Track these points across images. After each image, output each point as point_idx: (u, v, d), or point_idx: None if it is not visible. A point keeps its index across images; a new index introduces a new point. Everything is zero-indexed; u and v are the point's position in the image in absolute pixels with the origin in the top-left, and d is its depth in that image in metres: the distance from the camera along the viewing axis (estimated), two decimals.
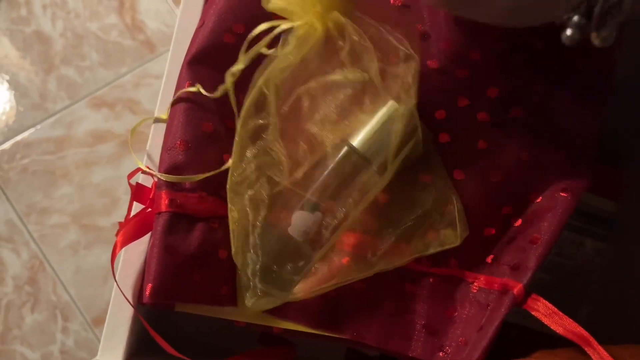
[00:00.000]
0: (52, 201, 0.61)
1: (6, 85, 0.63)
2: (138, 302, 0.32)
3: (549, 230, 0.33)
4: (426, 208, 0.34)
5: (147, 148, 0.34)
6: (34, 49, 0.64)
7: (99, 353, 0.31)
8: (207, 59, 0.34)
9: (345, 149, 0.32)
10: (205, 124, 0.33)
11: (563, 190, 0.34)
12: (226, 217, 0.32)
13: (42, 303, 0.60)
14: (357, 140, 0.32)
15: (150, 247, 0.31)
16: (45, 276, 0.60)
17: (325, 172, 0.32)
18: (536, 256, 0.33)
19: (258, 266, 0.32)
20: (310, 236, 0.32)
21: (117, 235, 0.33)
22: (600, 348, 0.30)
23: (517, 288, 0.32)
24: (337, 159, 0.32)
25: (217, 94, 0.33)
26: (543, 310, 0.32)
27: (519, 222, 0.35)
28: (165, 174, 0.32)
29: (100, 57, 0.64)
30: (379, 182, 0.32)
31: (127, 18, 0.65)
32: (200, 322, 0.37)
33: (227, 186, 0.32)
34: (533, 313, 0.32)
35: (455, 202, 0.34)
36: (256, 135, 0.33)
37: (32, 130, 0.62)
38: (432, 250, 0.34)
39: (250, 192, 0.32)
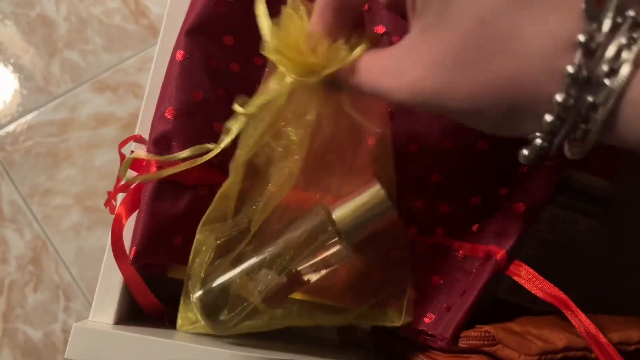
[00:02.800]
0: (55, 183, 0.62)
1: (10, 68, 0.64)
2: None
3: (533, 198, 0.33)
4: (381, 285, 0.34)
5: (140, 116, 0.35)
6: (38, 33, 0.65)
7: (90, 314, 0.31)
8: (202, 29, 0.34)
9: (323, 218, 0.32)
10: (195, 92, 0.33)
11: (549, 159, 0.34)
12: (215, 184, 0.33)
13: (44, 283, 0.61)
14: (337, 214, 0.31)
15: (138, 213, 0.32)
16: (48, 256, 0.61)
17: (297, 234, 0.32)
18: (520, 222, 0.33)
19: (199, 296, 0.31)
20: (264, 294, 0.32)
21: (106, 205, 0.33)
22: (578, 311, 0.30)
23: (500, 254, 0.33)
24: (313, 223, 0.32)
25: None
26: (525, 275, 0.32)
27: (504, 190, 0.35)
28: (154, 142, 0.32)
29: (104, 41, 0.65)
30: (345, 258, 0.32)
31: (130, 3, 0.65)
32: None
33: (202, 220, 0.32)
34: (515, 278, 0.32)
35: (408, 290, 0.34)
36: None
37: (35, 113, 0.63)
38: (369, 322, 0.34)
39: (216, 234, 0.32)
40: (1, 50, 0.64)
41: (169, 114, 0.33)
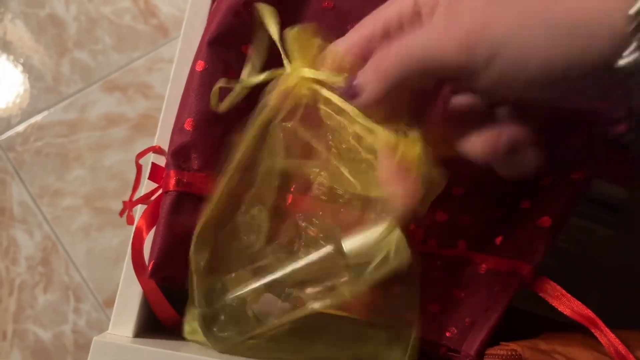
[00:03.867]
0: (65, 183, 0.62)
1: (20, 68, 0.64)
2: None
3: (558, 213, 0.33)
4: (386, 324, 0.34)
5: (159, 127, 0.34)
6: (47, 33, 0.64)
7: (109, 327, 0.31)
8: (222, 38, 0.34)
9: (332, 248, 0.31)
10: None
11: (574, 174, 0.34)
12: None
13: (54, 284, 0.61)
14: (348, 246, 0.30)
15: (157, 225, 0.32)
16: (57, 257, 0.61)
17: (304, 262, 0.31)
18: (545, 239, 0.33)
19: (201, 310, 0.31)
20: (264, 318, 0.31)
21: (121, 214, 0.33)
22: (607, 330, 0.30)
23: (526, 269, 0.32)
24: (322, 253, 0.31)
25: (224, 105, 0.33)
26: (551, 292, 0.32)
27: (527, 204, 0.35)
28: (173, 153, 0.32)
29: (114, 41, 0.65)
30: (351, 290, 0.31)
31: (140, 2, 0.65)
32: None
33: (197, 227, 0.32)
34: (541, 295, 0.32)
35: (414, 330, 0.33)
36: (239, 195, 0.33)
37: (45, 113, 0.63)
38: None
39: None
40: (11, 49, 0.64)
41: (188, 125, 0.32)
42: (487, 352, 0.32)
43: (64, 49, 0.64)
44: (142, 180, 0.35)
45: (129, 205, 0.34)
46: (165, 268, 0.31)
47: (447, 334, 0.34)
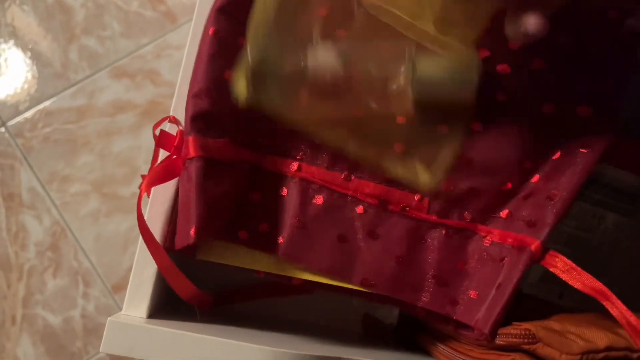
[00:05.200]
0: (73, 170, 0.62)
1: (28, 54, 0.64)
2: (166, 248, 0.32)
3: (567, 187, 0.33)
4: (421, 157, 0.34)
5: (175, 98, 0.34)
6: (55, 19, 0.64)
7: (123, 308, 0.32)
8: (232, 7, 0.34)
9: (403, 55, 0.30)
10: (227, 71, 0.33)
11: (583, 147, 0.33)
12: (253, 162, 0.33)
13: (63, 269, 0.61)
14: (419, 59, 0.30)
15: (186, 192, 0.32)
16: (66, 243, 0.61)
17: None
18: (554, 212, 0.33)
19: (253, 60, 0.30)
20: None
21: (140, 187, 0.33)
22: (619, 302, 0.30)
23: (535, 244, 0.32)
24: (391, 55, 0.30)
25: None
26: (561, 267, 0.32)
27: (536, 177, 0.35)
28: (192, 119, 0.32)
29: (122, 28, 0.65)
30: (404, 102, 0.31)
31: None
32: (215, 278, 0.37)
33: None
34: (551, 269, 0.32)
35: (448, 153, 0.34)
36: None
37: (54, 99, 0.63)
38: (399, 173, 0.34)
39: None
40: (19, 36, 0.64)
41: (203, 92, 0.32)
42: (499, 331, 0.32)
43: (72, 35, 0.64)
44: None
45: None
46: (207, 232, 0.31)
47: (450, 306, 0.34)
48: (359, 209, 0.35)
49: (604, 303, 0.30)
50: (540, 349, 0.30)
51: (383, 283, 0.35)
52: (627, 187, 0.40)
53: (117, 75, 0.64)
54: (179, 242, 0.31)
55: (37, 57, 0.64)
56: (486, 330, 0.32)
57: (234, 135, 0.33)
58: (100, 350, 0.29)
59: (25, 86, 0.63)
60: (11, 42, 0.64)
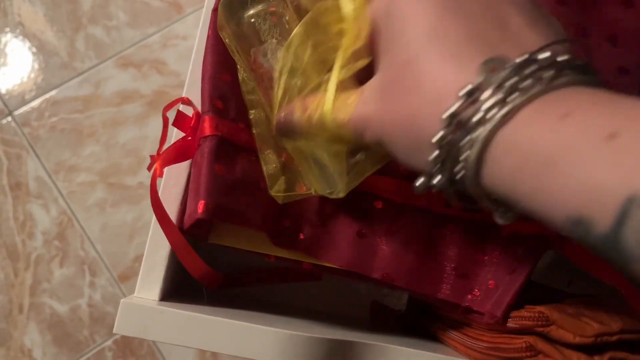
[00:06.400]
0: (79, 159, 0.62)
1: (35, 43, 0.64)
2: (179, 229, 0.33)
3: None
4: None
5: (186, 83, 0.34)
6: (62, 8, 0.64)
7: (136, 290, 0.32)
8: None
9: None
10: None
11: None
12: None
13: (70, 258, 0.61)
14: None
15: (197, 169, 0.31)
16: (73, 232, 0.62)
17: None
18: None
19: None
20: None
21: (149, 169, 0.33)
22: (631, 286, 0.30)
23: (553, 232, 0.33)
24: None
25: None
26: (578, 255, 0.32)
27: None
28: (209, 100, 0.32)
29: (128, 17, 0.65)
30: None
31: None
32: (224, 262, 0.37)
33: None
34: (568, 256, 0.33)
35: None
36: None
37: (60, 88, 0.63)
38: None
39: None
40: (25, 25, 0.64)
41: (225, 77, 0.33)
42: (512, 314, 0.32)
43: (78, 25, 0.64)
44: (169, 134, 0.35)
45: (157, 159, 0.34)
46: (217, 209, 0.31)
47: (469, 297, 0.35)
48: (378, 204, 0.35)
49: (620, 289, 0.31)
50: (554, 332, 0.30)
51: (403, 277, 0.35)
52: None
53: (124, 65, 0.64)
54: (188, 219, 0.31)
55: (43, 47, 0.64)
56: (499, 314, 0.32)
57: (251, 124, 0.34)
58: (114, 331, 0.29)
59: (32, 75, 0.63)
60: (17, 31, 0.64)
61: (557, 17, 0.31)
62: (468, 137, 0.22)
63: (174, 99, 0.35)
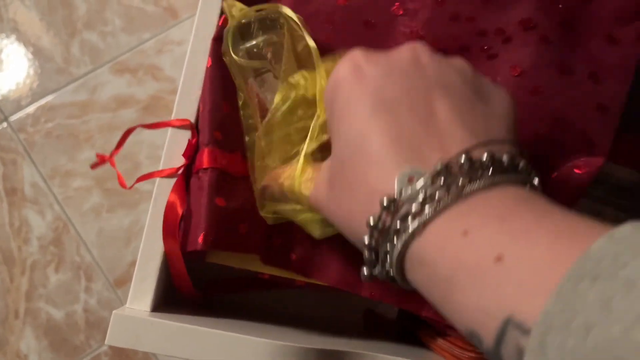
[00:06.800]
0: (75, 164, 0.63)
1: (30, 49, 0.64)
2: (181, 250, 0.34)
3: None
4: None
5: (178, 94, 0.35)
6: (57, 14, 0.64)
7: (128, 301, 0.32)
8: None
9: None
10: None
11: (578, 169, 0.35)
12: None
13: (66, 263, 0.61)
14: None
15: (196, 200, 0.33)
16: (69, 237, 0.62)
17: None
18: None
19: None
20: None
21: (93, 167, 0.38)
22: None
23: None
24: None
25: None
26: None
27: (554, 175, 0.36)
28: (210, 133, 0.33)
29: (123, 23, 0.65)
30: None
31: None
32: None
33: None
34: None
35: None
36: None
37: (56, 94, 0.63)
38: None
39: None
40: (21, 31, 0.64)
41: (226, 108, 0.34)
42: (482, 354, 0.32)
43: (74, 31, 0.64)
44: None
45: (108, 160, 0.35)
46: (215, 241, 0.32)
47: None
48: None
49: None
50: None
51: (390, 296, 0.36)
52: (624, 183, 0.41)
53: (119, 70, 0.64)
54: (189, 246, 0.32)
55: (39, 52, 0.64)
56: None
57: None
58: (106, 342, 0.29)
59: (28, 81, 0.64)
60: (13, 37, 0.64)
61: (541, 54, 0.32)
62: (389, 245, 0.24)
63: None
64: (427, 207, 0.23)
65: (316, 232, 0.32)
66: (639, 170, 0.41)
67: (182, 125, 0.34)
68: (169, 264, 0.32)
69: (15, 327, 0.61)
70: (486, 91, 0.27)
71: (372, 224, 0.24)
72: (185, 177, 0.34)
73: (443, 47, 0.34)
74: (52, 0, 0.64)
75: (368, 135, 0.25)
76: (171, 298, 0.35)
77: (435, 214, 0.22)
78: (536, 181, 0.25)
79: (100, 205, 0.62)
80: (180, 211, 0.33)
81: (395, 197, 0.23)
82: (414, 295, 0.36)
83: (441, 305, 0.23)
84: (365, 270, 0.26)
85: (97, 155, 0.38)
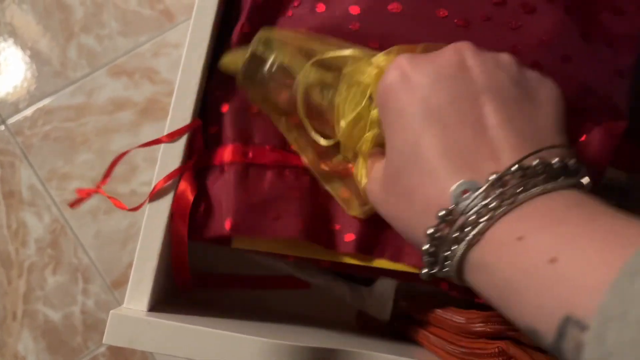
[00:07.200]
0: (73, 167, 0.63)
1: (27, 52, 0.64)
2: (194, 238, 0.35)
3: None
4: None
5: (174, 96, 0.36)
6: (54, 17, 0.65)
7: (125, 301, 0.32)
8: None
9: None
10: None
11: None
12: (296, 166, 0.36)
13: (63, 265, 0.62)
14: None
15: (221, 191, 0.35)
16: (66, 240, 0.62)
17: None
18: None
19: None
20: None
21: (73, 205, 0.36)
22: None
23: None
24: None
25: None
26: None
27: None
28: (236, 131, 0.36)
29: (120, 26, 0.65)
30: None
31: None
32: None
33: None
34: None
35: None
36: None
37: (53, 97, 0.64)
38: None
39: None
40: (18, 34, 0.64)
41: (253, 108, 0.36)
42: (485, 318, 0.33)
43: (71, 34, 0.65)
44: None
45: (96, 192, 0.37)
46: (243, 226, 0.34)
47: None
48: None
49: None
50: (525, 335, 0.31)
51: (412, 255, 0.37)
52: (617, 184, 0.41)
53: (116, 73, 0.65)
54: (212, 233, 0.35)
55: (36, 56, 0.64)
56: None
57: (279, 143, 0.37)
58: (103, 341, 0.29)
59: (25, 84, 0.64)
60: (10, 40, 0.64)
61: (566, 24, 0.33)
62: (448, 252, 0.25)
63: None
64: (483, 217, 0.24)
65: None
66: (628, 172, 0.41)
67: (189, 130, 0.35)
68: (172, 247, 0.33)
69: (13, 329, 0.61)
70: (533, 87, 0.28)
71: (430, 233, 0.25)
72: (195, 170, 0.36)
73: (465, 18, 0.35)
74: (48, 4, 0.65)
75: (420, 146, 0.26)
76: (168, 299, 0.35)
77: (490, 223, 0.24)
78: (586, 180, 0.26)
79: (98, 207, 0.63)
80: (191, 197, 0.34)
81: (451, 208, 0.25)
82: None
83: (500, 306, 0.24)
84: (424, 271, 0.27)
85: (78, 192, 0.40)
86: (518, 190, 0.24)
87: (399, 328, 0.43)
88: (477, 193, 0.24)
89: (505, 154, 0.25)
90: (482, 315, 0.34)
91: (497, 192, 0.24)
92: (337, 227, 0.37)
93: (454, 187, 0.25)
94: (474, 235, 0.24)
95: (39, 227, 0.62)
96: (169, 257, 0.34)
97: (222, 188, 0.35)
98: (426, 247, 0.26)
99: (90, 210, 0.62)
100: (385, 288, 0.43)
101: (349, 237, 0.36)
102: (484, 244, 0.24)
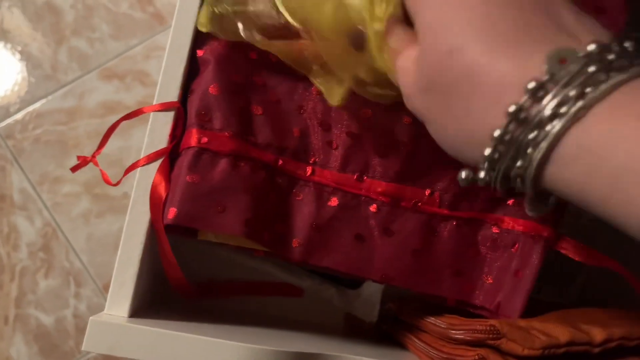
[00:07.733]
0: (64, 171, 0.63)
1: (18, 56, 0.64)
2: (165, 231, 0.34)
3: None
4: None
5: (156, 94, 0.36)
6: (45, 20, 0.65)
7: (105, 308, 0.32)
8: None
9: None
10: (235, 75, 0.35)
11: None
12: (254, 158, 0.35)
13: (55, 269, 0.62)
14: None
15: (175, 177, 0.34)
16: (58, 243, 0.62)
17: None
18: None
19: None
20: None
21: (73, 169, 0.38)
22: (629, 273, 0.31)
23: (547, 231, 0.34)
24: None
25: None
26: (573, 249, 0.34)
27: None
28: (197, 114, 0.34)
29: (111, 29, 0.65)
30: None
31: None
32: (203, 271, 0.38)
33: None
34: (563, 252, 0.34)
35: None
36: None
37: (44, 101, 0.64)
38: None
39: None
40: (9, 38, 0.64)
41: (212, 90, 0.34)
42: (466, 326, 0.33)
43: (62, 37, 0.65)
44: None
45: (90, 161, 0.36)
46: (186, 216, 0.33)
47: (468, 293, 0.36)
48: (373, 207, 0.37)
49: (623, 274, 0.32)
50: (504, 344, 0.31)
51: (402, 277, 0.37)
52: None
53: (107, 76, 0.65)
54: (164, 221, 0.33)
55: (27, 59, 0.64)
56: (515, 315, 0.34)
57: (240, 132, 0.35)
58: (82, 348, 0.29)
59: (16, 88, 0.64)
60: (1, 44, 0.64)
61: None
62: (533, 135, 0.20)
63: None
64: (589, 89, 0.19)
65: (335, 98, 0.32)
66: None
67: (165, 108, 0.35)
68: (157, 244, 0.33)
69: (5, 333, 0.61)
70: (586, 15, 0.24)
71: (516, 108, 0.21)
72: (171, 159, 0.35)
73: None
74: (39, 7, 0.65)
75: (489, 19, 0.22)
76: (150, 305, 0.35)
77: (601, 95, 0.19)
78: None
79: (89, 211, 0.62)
80: (164, 193, 0.33)
81: (548, 78, 0.20)
82: (424, 276, 0.37)
83: (607, 202, 0.19)
84: (465, 173, 0.24)
85: (79, 158, 0.38)
86: (624, 64, 0.20)
87: (386, 330, 0.43)
88: (580, 57, 0.20)
89: (584, 36, 0.21)
90: (463, 321, 0.34)
91: (601, 63, 0.20)
92: (284, 230, 0.36)
93: (548, 53, 0.20)
94: (579, 109, 0.19)
95: (30, 231, 0.62)
96: (152, 262, 0.34)
97: (176, 175, 0.34)
98: (502, 130, 0.21)
99: (82, 214, 0.62)
100: (373, 290, 0.43)
101: (295, 242, 0.36)
102: (591, 120, 0.19)
